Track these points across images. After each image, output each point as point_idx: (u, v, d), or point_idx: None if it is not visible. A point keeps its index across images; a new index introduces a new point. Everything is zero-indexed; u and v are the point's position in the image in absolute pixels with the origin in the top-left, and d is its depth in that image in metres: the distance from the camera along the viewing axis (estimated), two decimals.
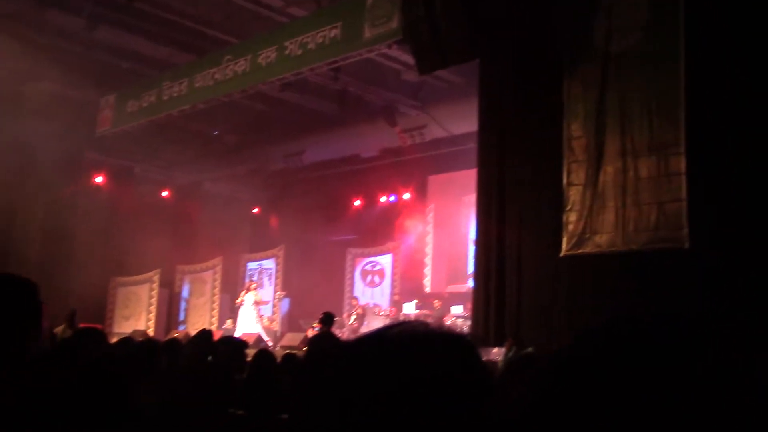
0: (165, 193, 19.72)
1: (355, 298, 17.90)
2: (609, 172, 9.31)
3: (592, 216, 9.39)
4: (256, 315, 16.77)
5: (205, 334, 6.34)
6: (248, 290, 16.99)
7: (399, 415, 0.85)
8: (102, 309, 18.91)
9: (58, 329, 12.63)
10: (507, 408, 0.58)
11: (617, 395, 0.53)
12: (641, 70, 9.14)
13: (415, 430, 0.84)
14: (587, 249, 9.39)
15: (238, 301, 17.15)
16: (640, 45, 9.16)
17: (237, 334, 14.64)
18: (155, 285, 19.13)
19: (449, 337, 0.95)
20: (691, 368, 0.54)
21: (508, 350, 9.40)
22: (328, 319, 9.53)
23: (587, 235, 9.41)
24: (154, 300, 18.81)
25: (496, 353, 10.16)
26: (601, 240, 9.26)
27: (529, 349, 8.31)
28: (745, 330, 7.47)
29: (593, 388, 0.54)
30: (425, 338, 0.93)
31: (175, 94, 14.64)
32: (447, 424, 0.83)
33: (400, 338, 0.93)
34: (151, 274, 19.11)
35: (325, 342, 8.23)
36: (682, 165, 8.55)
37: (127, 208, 19.32)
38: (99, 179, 18.14)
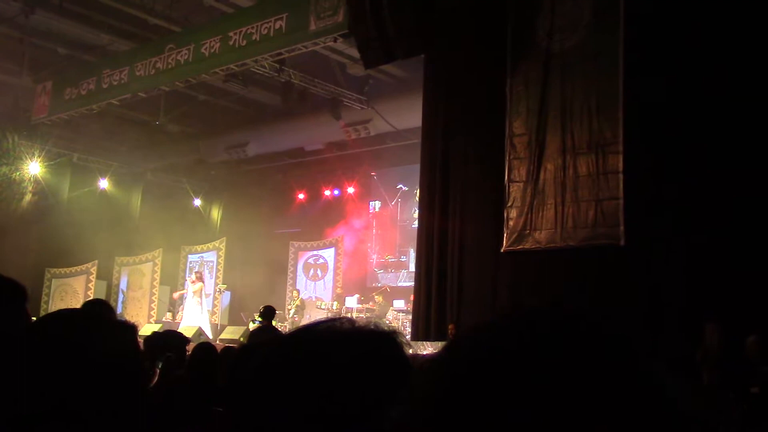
0: (104, 183, 19.26)
1: (297, 290, 17.82)
2: (549, 169, 9.46)
3: (533, 212, 9.54)
4: (201, 307, 16.56)
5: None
6: (193, 283, 16.78)
7: (319, 409, 0.85)
8: (37, 301, 18.39)
9: None
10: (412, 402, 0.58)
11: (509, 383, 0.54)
12: (582, 68, 9.30)
13: (333, 425, 0.85)
14: (527, 245, 9.54)
15: (176, 295, 16.99)
16: (581, 44, 9.32)
17: (181, 327, 14.52)
18: (92, 277, 18.73)
19: (374, 333, 0.96)
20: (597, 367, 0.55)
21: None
22: (268, 313, 9.45)
23: (527, 231, 9.56)
24: (91, 292, 18.35)
25: (435, 348, 10.24)
26: (541, 236, 9.42)
27: None
28: (675, 325, 7.70)
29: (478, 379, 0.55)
30: (350, 335, 0.94)
31: (115, 83, 14.32)
32: (366, 419, 0.84)
33: (325, 335, 0.93)
34: (88, 265, 18.69)
35: (264, 335, 8.16)
36: (620, 163, 8.75)
37: (64, 197, 18.82)
38: (34, 167, 17.56)
